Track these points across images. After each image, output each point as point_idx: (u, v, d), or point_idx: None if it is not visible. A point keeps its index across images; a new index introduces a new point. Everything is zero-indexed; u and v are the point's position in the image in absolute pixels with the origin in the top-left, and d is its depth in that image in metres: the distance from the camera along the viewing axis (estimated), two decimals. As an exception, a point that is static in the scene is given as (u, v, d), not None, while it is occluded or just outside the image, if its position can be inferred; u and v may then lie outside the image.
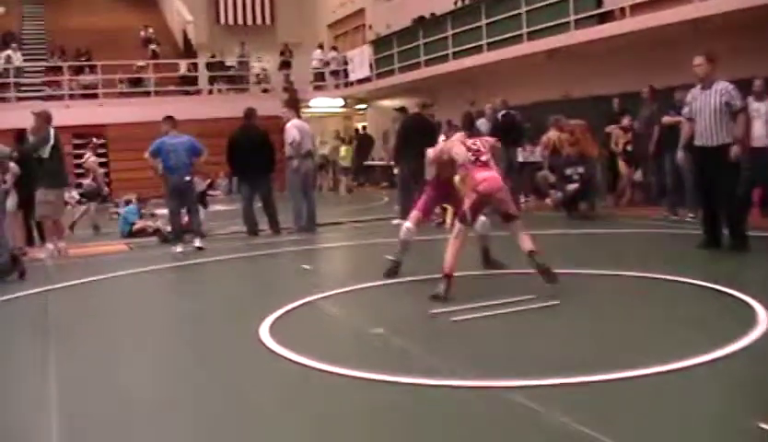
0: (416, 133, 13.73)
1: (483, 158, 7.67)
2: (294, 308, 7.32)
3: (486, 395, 4.76)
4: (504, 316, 6.57)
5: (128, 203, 15.96)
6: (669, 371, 4.85)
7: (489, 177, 7.55)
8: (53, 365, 6.02)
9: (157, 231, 13.91)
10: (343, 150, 26.62)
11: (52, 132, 11.97)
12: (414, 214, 8.73)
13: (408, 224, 8.70)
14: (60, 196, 12.30)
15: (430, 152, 8.53)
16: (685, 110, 9.62)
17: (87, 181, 16.96)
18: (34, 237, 13.34)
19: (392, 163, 16.86)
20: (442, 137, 8.80)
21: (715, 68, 9.23)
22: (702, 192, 9.75)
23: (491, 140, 8.30)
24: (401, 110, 15.96)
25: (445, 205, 11.94)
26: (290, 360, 5.58)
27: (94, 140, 17.55)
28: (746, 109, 9.30)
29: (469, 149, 7.73)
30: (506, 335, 6.18)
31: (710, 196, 9.41)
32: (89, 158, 17.78)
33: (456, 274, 8.02)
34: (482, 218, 8.31)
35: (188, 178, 12.29)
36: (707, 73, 9.22)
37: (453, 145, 7.91)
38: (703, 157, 9.30)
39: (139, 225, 14.40)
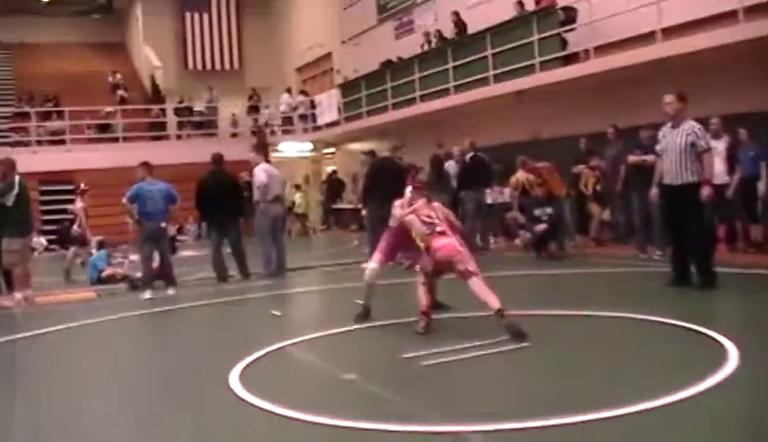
0: (384, 175, 13.87)
1: (439, 229, 7.90)
2: (264, 355, 7.25)
3: (457, 440, 4.73)
4: (475, 359, 6.55)
5: (100, 245, 15.83)
6: (641, 411, 4.84)
7: (446, 244, 7.78)
8: (20, 414, 5.91)
9: (125, 278, 13.82)
10: (297, 197, 26.58)
11: (17, 179, 11.89)
12: (377, 256, 8.84)
13: (372, 264, 8.80)
14: (25, 244, 12.19)
15: (397, 209, 8.65)
16: (658, 146, 9.71)
17: (75, 227, 16.86)
18: (1, 285, 13.18)
19: (360, 206, 16.88)
20: (408, 189, 8.92)
21: (685, 107, 9.37)
22: (670, 230, 9.78)
23: (445, 211, 8.41)
24: (371, 153, 16.02)
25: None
26: (261, 408, 5.52)
27: (82, 185, 17.38)
28: (710, 149, 9.37)
29: (423, 223, 7.98)
30: (478, 379, 6.15)
31: (678, 233, 9.48)
32: (78, 204, 17.63)
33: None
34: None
35: (163, 224, 12.41)
36: (677, 111, 9.35)
37: (410, 219, 8.16)
38: (670, 194, 9.41)
39: (108, 271, 14.27)
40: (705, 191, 9.10)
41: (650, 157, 12.08)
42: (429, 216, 8.06)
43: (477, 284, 7.54)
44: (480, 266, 7.79)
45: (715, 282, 9.22)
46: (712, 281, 9.22)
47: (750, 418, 4.89)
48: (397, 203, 8.78)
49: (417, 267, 8.19)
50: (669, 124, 9.45)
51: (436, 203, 8.44)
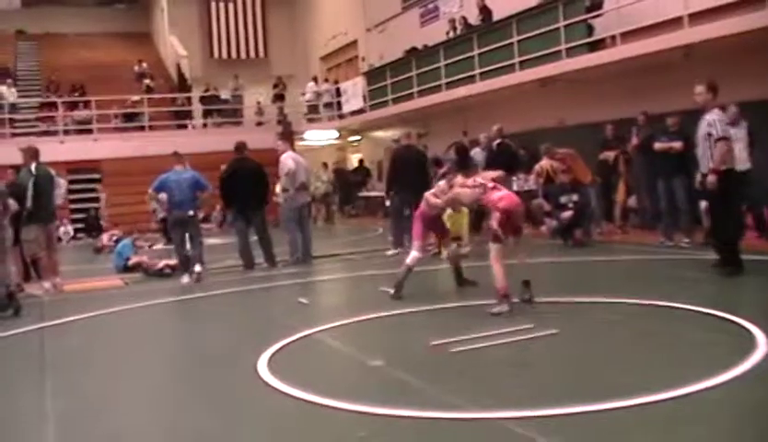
0: (406, 163, 14.00)
1: (490, 185, 8.19)
2: (292, 342, 7.30)
3: (488, 427, 4.74)
4: (503, 346, 6.56)
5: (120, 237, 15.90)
6: (672, 398, 4.84)
7: (505, 195, 8.10)
8: (49, 402, 5.97)
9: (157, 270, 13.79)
10: (319, 183, 26.51)
11: (33, 167, 12.00)
12: (417, 244, 9.39)
13: (415, 253, 9.31)
14: (44, 231, 12.24)
15: (432, 198, 9.20)
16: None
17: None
18: (31, 272, 13.32)
19: (384, 194, 16.90)
20: (439, 179, 9.37)
21: (714, 97, 9.43)
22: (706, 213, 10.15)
23: (491, 174, 8.66)
24: (398, 140, 16.02)
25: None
26: (289, 395, 5.55)
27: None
28: (726, 138, 9.33)
29: (472, 187, 8.29)
30: (505, 365, 6.16)
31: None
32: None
33: (452, 305, 8.16)
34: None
35: (191, 212, 12.61)
36: (706, 101, 9.44)
37: (457, 193, 8.52)
38: (702, 181, 9.54)
39: (134, 260, 14.35)
40: (710, 179, 9.22)
41: (677, 144, 12.07)
42: (474, 180, 8.34)
43: (523, 247, 8.23)
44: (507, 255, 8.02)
45: (736, 267, 9.28)
46: (733, 266, 9.29)
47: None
48: (428, 194, 9.06)
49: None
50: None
51: (478, 176, 8.64)
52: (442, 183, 9.32)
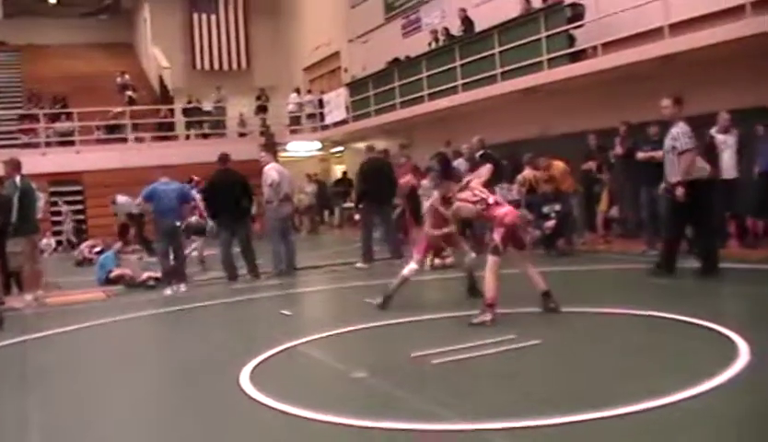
0: (376, 175, 14.11)
1: (491, 200, 8.21)
2: (274, 355, 7.27)
3: (470, 438, 4.73)
4: (484, 357, 6.55)
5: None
6: (654, 408, 4.84)
7: (508, 210, 8.18)
8: (31, 416, 5.92)
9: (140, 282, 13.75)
10: (302, 195, 26.54)
11: (17, 179, 11.97)
12: (417, 257, 9.37)
13: (413, 266, 9.27)
14: (29, 244, 12.22)
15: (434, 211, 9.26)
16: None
17: (194, 218, 16.92)
18: (11, 285, 13.24)
19: (354, 206, 16.98)
20: (426, 182, 9.42)
21: (680, 110, 9.80)
22: (665, 222, 10.48)
23: (480, 178, 8.67)
24: (370, 148, 16.00)
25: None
26: (271, 408, 5.53)
27: (195, 178, 17.44)
28: (690, 150, 9.61)
29: (473, 202, 8.25)
30: (487, 376, 6.15)
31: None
32: (195, 195, 17.79)
33: (434, 317, 8.19)
34: (472, 254, 9.38)
35: (177, 223, 12.84)
36: (672, 114, 9.83)
37: (458, 208, 8.50)
38: (666, 189, 10.01)
39: (117, 272, 14.27)
40: (679, 192, 9.55)
41: (659, 153, 12.14)
42: (474, 194, 8.31)
43: (527, 259, 8.29)
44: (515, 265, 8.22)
45: (712, 270, 9.67)
46: (709, 269, 9.71)
47: (761, 415, 4.87)
48: (427, 206, 9.14)
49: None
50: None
51: (468, 181, 8.64)
52: (435, 194, 9.35)
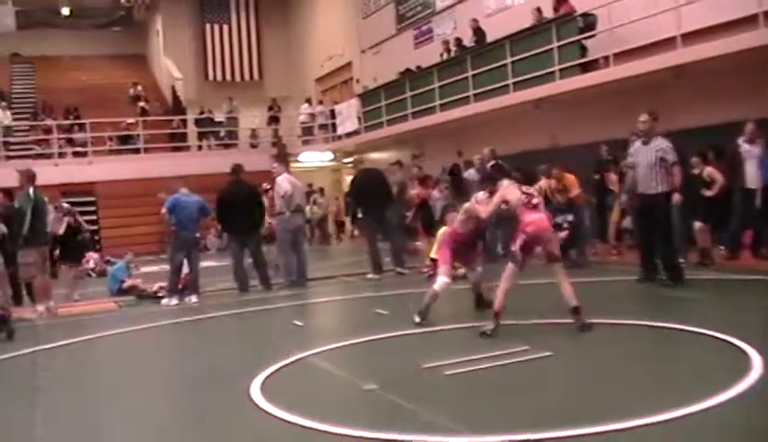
0: (370, 186, 14.21)
1: (535, 201, 8.13)
2: (286, 366, 7.26)
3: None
4: (496, 368, 6.52)
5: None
6: (668, 420, 4.80)
7: (537, 219, 8.00)
8: (41, 427, 5.92)
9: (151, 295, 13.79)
10: (314, 207, 26.59)
11: (31, 191, 12.00)
12: (445, 269, 8.96)
13: (444, 279, 8.86)
14: (40, 255, 12.24)
15: (477, 206, 8.97)
16: (628, 160, 10.83)
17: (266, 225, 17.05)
18: (23, 296, 13.28)
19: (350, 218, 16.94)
20: (436, 193, 9.33)
21: (656, 125, 10.40)
22: (641, 232, 10.84)
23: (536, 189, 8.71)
24: (397, 163, 16.09)
25: (435, 258, 12.27)
26: (281, 419, 5.51)
27: (264, 185, 17.60)
28: (679, 162, 10.29)
29: (523, 193, 8.18)
30: (499, 388, 6.12)
31: (648, 235, 10.56)
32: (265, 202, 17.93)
33: (446, 327, 8.15)
34: (478, 269, 9.23)
35: (197, 234, 13.16)
36: (650, 129, 10.34)
37: (507, 191, 8.26)
38: (642, 202, 10.49)
39: (129, 282, 14.31)
40: (676, 198, 10.20)
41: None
42: (528, 190, 8.34)
43: (562, 273, 8.01)
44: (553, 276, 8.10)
45: (681, 277, 10.23)
46: (678, 276, 10.24)
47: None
48: (469, 205, 9.06)
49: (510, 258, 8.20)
50: (640, 141, 10.46)
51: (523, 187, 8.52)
52: (481, 194, 9.17)
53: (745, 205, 11.73)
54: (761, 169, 11.76)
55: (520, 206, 8.04)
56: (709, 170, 12.21)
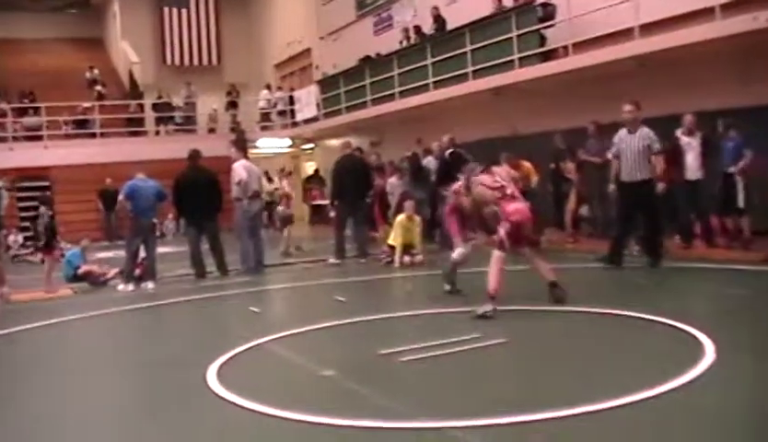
0: (350, 172, 14.13)
1: (509, 191, 8.31)
2: (242, 352, 7.23)
3: (437, 436, 4.72)
4: (452, 355, 6.54)
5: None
6: (621, 405, 4.86)
7: (519, 208, 8.26)
8: (-6, 415, 5.86)
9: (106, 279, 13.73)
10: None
11: None
12: (459, 239, 9.26)
13: (461, 249, 9.19)
14: None
15: (461, 198, 9.07)
16: (613, 149, 10.98)
17: (281, 207, 17.70)
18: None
19: (329, 203, 16.93)
20: (393, 180, 9.34)
21: (640, 114, 10.66)
22: (622, 217, 11.10)
23: (508, 171, 9.04)
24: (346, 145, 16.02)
25: (392, 244, 12.38)
26: (238, 405, 5.49)
27: (286, 168, 17.54)
28: (662, 151, 10.68)
29: (492, 188, 8.34)
30: (454, 374, 6.14)
31: (628, 221, 11.00)
32: (285, 186, 18.62)
33: (402, 314, 8.16)
34: (459, 249, 9.22)
35: (154, 220, 13.10)
36: (636, 118, 10.61)
37: (479, 192, 8.50)
38: (628, 190, 10.71)
39: (84, 268, 14.15)
40: (661, 186, 10.63)
41: (596, 160, 12.74)
42: (495, 181, 8.41)
43: (536, 253, 8.46)
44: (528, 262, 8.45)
45: (661, 261, 10.69)
46: (659, 259, 10.71)
47: (728, 412, 4.90)
48: (457, 189, 9.06)
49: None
50: (626, 130, 10.72)
51: (496, 168, 8.84)
52: (460, 183, 9.20)
53: (689, 197, 12.08)
54: (726, 153, 11.92)
55: (496, 200, 8.26)
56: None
